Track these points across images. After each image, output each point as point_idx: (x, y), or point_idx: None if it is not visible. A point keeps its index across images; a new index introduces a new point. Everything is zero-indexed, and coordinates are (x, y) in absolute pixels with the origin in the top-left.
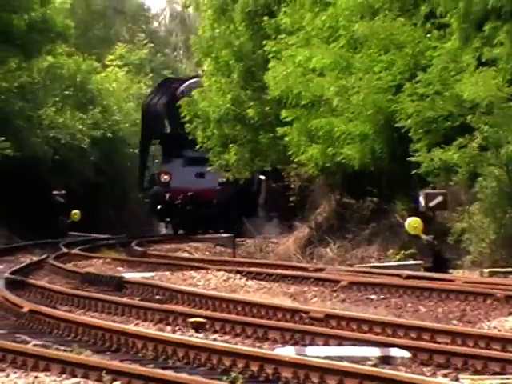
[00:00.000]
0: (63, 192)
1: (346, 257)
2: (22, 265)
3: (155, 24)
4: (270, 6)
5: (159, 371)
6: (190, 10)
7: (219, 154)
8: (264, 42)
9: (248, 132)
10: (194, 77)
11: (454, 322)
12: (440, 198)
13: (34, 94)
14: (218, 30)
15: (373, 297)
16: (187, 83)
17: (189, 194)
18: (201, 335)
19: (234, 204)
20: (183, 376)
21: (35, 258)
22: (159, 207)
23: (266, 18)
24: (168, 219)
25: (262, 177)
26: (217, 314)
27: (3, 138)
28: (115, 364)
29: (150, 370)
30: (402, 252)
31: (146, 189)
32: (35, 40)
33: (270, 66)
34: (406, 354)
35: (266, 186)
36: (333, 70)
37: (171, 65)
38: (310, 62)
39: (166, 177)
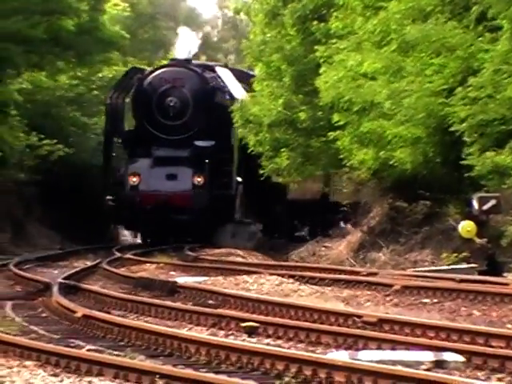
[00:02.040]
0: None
1: (399, 261)
2: (76, 270)
3: (207, 29)
4: (319, 11)
5: (212, 376)
6: (242, 15)
7: (271, 158)
8: (315, 48)
9: (299, 136)
10: (163, 66)
11: (509, 325)
12: (493, 202)
13: (91, 102)
14: (268, 35)
15: (426, 301)
16: (157, 73)
17: (161, 198)
18: (254, 340)
19: (211, 210)
20: (236, 380)
21: (88, 263)
22: (125, 213)
23: (315, 22)
24: (136, 227)
25: (240, 179)
26: (270, 319)
27: (55, 141)
28: (168, 369)
29: (203, 375)
30: (456, 256)
31: (109, 192)
32: (85, 42)
33: (321, 71)
34: (460, 358)
35: (242, 189)
36: (384, 74)
37: None
38: (361, 66)
39: (134, 179)
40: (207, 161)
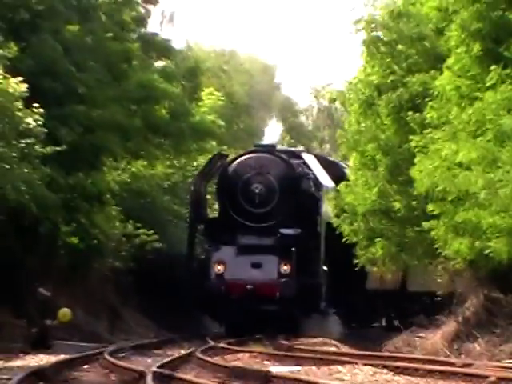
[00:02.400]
0: None
1: (495, 352)
2: (170, 359)
3: (302, 118)
4: (414, 101)
5: None
6: (337, 104)
7: (365, 247)
8: (410, 137)
9: (394, 226)
10: (248, 152)
11: None
12: None
13: (185, 191)
14: (363, 124)
15: None
16: (242, 159)
17: (247, 287)
18: None
19: (299, 299)
20: None
21: (182, 352)
22: (211, 303)
23: (410, 112)
24: (221, 317)
25: (325, 267)
26: None
27: (151, 231)
28: None
29: None
30: None
31: (194, 281)
32: (180, 129)
33: (415, 160)
34: None
35: (327, 278)
36: (479, 164)
37: None
38: (456, 156)
39: (219, 267)
40: (293, 249)
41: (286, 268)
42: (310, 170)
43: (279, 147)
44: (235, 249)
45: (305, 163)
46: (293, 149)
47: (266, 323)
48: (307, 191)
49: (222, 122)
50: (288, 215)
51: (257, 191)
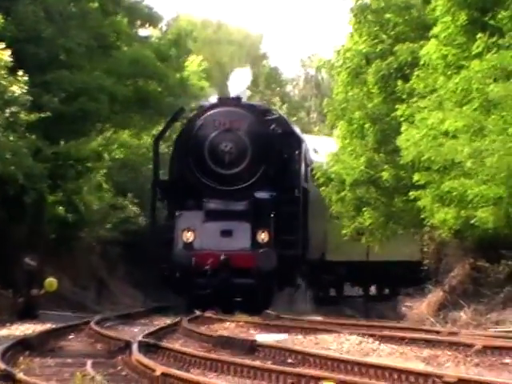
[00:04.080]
0: None
1: (481, 321)
2: (156, 328)
3: (289, 88)
4: (403, 70)
5: None
6: (324, 73)
7: (352, 218)
8: (397, 107)
9: (382, 195)
10: (216, 105)
11: None
12: None
13: None
14: (350, 93)
15: (508, 361)
16: (208, 114)
17: (221, 257)
18: None
19: (277, 273)
20: None
21: (168, 322)
22: (177, 275)
23: (399, 81)
24: (187, 291)
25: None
26: (349, 378)
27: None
28: None
29: None
30: None
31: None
32: (171, 104)
33: (402, 129)
34: None
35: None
36: (465, 133)
37: (305, 128)
38: (442, 124)
39: (188, 235)
40: (272, 215)
41: (263, 237)
42: (287, 125)
43: (245, 102)
44: (202, 214)
45: (279, 119)
46: (258, 103)
47: (237, 298)
48: (283, 150)
49: (207, 83)
50: (261, 177)
51: (226, 150)
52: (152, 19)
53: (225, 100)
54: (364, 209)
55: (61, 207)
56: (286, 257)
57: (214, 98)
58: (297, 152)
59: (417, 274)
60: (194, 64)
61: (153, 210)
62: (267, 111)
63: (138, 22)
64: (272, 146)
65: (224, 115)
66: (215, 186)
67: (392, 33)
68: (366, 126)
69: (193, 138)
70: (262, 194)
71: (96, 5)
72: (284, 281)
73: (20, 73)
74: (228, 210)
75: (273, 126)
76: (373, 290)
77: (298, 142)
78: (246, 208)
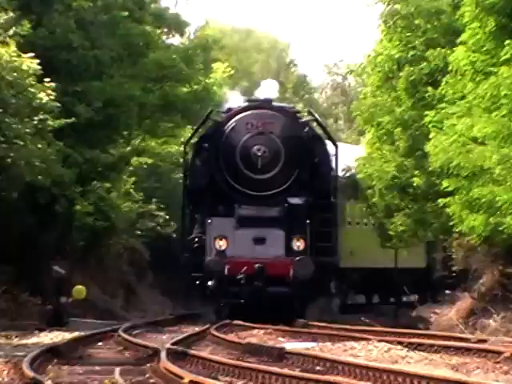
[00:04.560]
0: None
1: (510, 328)
2: (184, 336)
3: (316, 95)
4: (434, 75)
5: None
6: (351, 80)
7: (382, 223)
8: (425, 113)
9: (412, 201)
10: (247, 108)
11: None
12: None
13: None
14: (380, 98)
15: None
16: (239, 116)
17: (255, 265)
18: None
19: (312, 282)
20: None
21: (197, 329)
22: (211, 283)
23: (430, 87)
24: (224, 300)
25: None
26: None
27: (167, 217)
28: None
29: None
30: None
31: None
32: (196, 109)
33: (430, 136)
34: None
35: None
36: (494, 139)
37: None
38: (471, 131)
39: (221, 243)
40: (308, 221)
41: (299, 244)
42: (322, 128)
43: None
44: (233, 221)
45: (314, 121)
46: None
47: (273, 308)
48: (318, 154)
49: (230, 90)
50: (295, 182)
51: (259, 154)
52: (179, 26)
53: (255, 102)
54: (395, 214)
55: (90, 215)
56: (322, 265)
57: (241, 101)
58: (331, 156)
59: (425, 280)
60: (219, 71)
61: (183, 216)
62: (299, 113)
63: (165, 30)
64: (306, 149)
65: (256, 117)
66: (247, 191)
67: (422, 39)
68: (396, 130)
69: (224, 141)
70: (295, 200)
71: (126, 13)
72: (319, 290)
73: (47, 79)
74: (261, 217)
75: (306, 128)
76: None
77: (332, 145)
78: (279, 214)
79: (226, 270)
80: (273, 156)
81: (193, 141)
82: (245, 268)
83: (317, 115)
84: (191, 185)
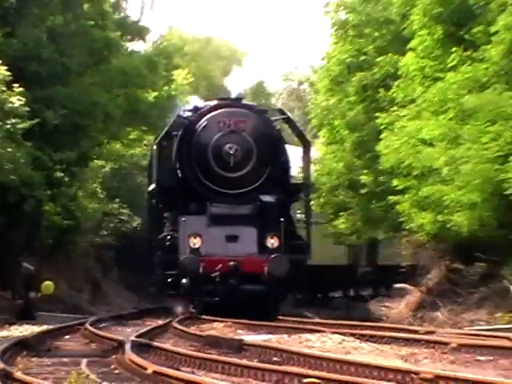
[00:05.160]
0: None
1: (456, 320)
2: (148, 328)
3: (273, 100)
4: (385, 80)
5: None
6: (306, 85)
7: (331, 221)
8: (377, 115)
9: (360, 200)
10: (218, 106)
11: None
12: None
13: None
14: (332, 101)
15: (481, 358)
16: (211, 114)
17: (230, 263)
18: None
19: (287, 279)
20: None
21: (160, 322)
22: (185, 281)
23: (382, 90)
24: (198, 298)
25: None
26: (331, 375)
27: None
28: None
29: None
30: (511, 315)
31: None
32: (158, 115)
33: (382, 136)
34: None
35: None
36: (442, 141)
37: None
38: (420, 133)
39: (195, 240)
40: (282, 219)
41: (273, 241)
42: (293, 126)
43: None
44: (206, 219)
45: (287, 120)
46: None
47: (248, 305)
48: (284, 152)
49: (191, 99)
50: (267, 180)
51: (231, 152)
52: (140, 32)
53: (226, 100)
54: (342, 213)
55: (57, 215)
56: (296, 262)
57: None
58: (303, 154)
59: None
60: (180, 77)
61: (150, 214)
62: (267, 112)
63: (128, 37)
64: (276, 147)
65: (228, 116)
66: (219, 189)
67: (372, 46)
68: (344, 133)
69: (196, 139)
70: (267, 198)
71: (92, 22)
72: (292, 286)
73: (16, 85)
74: (233, 215)
75: (278, 126)
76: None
77: (305, 143)
78: (251, 212)
79: (200, 268)
80: (245, 154)
81: (162, 140)
82: (220, 266)
83: (289, 114)
84: (161, 183)
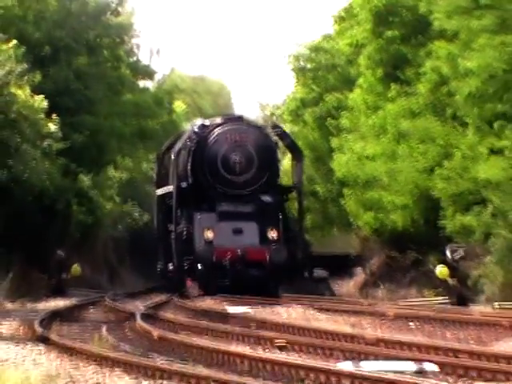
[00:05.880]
0: None
1: (393, 296)
2: (153, 302)
3: None
4: (331, 112)
5: (252, 380)
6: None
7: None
8: (330, 138)
9: (319, 204)
10: (224, 123)
11: (472, 343)
12: (462, 252)
13: None
14: (296, 128)
15: (412, 325)
16: (221, 130)
17: (238, 252)
18: (283, 354)
19: (286, 266)
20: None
21: (163, 298)
22: (200, 267)
23: (330, 119)
24: (209, 281)
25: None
26: (295, 338)
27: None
28: (220, 375)
29: (246, 380)
30: (434, 292)
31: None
32: (164, 138)
33: (334, 156)
34: (435, 367)
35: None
36: (382, 157)
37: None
38: (364, 151)
39: (209, 234)
40: (280, 216)
41: (273, 234)
42: (289, 139)
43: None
44: (215, 216)
45: (281, 133)
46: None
47: (252, 287)
48: (278, 161)
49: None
50: (266, 183)
51: (236, 160)
52: (149, 74)
53: (230, 118)
54: (306, 214)
55: (83, 214)
56: (292, 251)
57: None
58: (296, 162)
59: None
60: (178, 109)
61: (176, 212)
62: (268, 127)
63: (140, 76)
64: (273, 156)
65: (233, 131)
66: (227, 191)
67: (322, 85)
68: (306, 152)
69: (208, 151)
70: (266, 198)
71: (109, 64)
72: (290, 272)
73: (53, 115)
74: (238, 212)
75: (275, 139)
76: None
77: (298, 154)
78: (253, 210)
79: (214, 256)
80: (247, 162)
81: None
82: (229, 254)
83: (285, 129)
84: (178, 186)
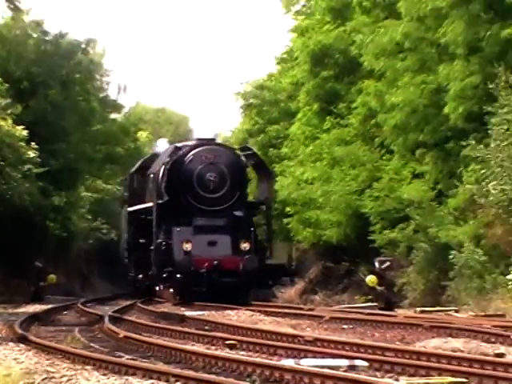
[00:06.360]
0: None
1: (328, 301)
2: (120, 307)
3: None
4: (271, 141)
5: (206, 375)
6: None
7: None
8: (273, 165)
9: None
10: (199, 145)
11: (397, 342)
12: (388, 263)
13: None
14: None
15: (345, 327)
16: (196, 151)
17: (214, 262)
18: (233, 352)
19: (258, 274)
20: (221, 378)
21: (128, 303)
22: (179, 276)
23: (271, 149)
24: (187, 289)
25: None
26: (244, 338)
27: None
28: (178, 371)
29: (201, 375)
30: (364, 298)
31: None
32: (129, 163)
33: (277, 180)
34: (365, 363)
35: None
36: (318, 180)
37: None
38: (303, 175)
39: (187, 245)
40: (252, 228)
41: (245, 245)
42: (260, 160)
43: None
44: (191, 229)
45: (253, 155)
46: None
47: (226, 293)
48: (248, 179)
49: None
50: (238, 199)
51: (211, 179)
52: (116, 108)
53: (204, 140)
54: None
55: (57, 230)
56: (262, 261)
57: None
58: (267, 180)
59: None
60: (142, 137)
61: (156, 226)
62: (240, 149)
63: (109, 110)
64: (243, 175)
65: (208, 152)
66: (202, 206)
67: (266, 118)
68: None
69: (184, 169)
70: (238, 212)
71: (81, 98)
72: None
73: (33, 143)
74: (212, 225)
75: (245, 159)
76: None
77: (269, 173)
78: (226, 223)
79: (192, 266)
80: (221, 180)
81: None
82: (206, 264)
83: (255, 150)
84: (158, 202)
